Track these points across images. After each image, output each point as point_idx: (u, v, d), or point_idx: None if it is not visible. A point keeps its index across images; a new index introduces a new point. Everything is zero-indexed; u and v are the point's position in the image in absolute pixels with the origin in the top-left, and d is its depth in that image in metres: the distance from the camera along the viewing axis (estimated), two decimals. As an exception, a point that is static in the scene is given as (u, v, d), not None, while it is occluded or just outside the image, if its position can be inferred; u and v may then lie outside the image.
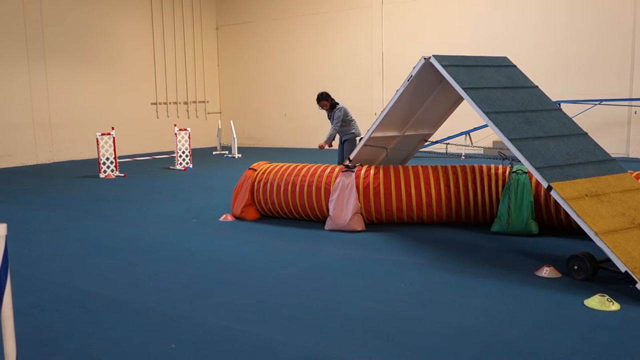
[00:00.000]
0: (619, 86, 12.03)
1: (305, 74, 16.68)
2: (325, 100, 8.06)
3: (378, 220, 6.32)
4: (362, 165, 6.44)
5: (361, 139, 6.89)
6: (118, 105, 15.83)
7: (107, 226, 6.76)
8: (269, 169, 6.81)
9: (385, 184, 6.17)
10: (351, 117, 8.07)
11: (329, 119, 8.15)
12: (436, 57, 5.52)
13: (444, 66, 5.45)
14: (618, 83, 12.05)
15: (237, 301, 4.14)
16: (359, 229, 6.13)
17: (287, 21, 16.94)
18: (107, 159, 11.37)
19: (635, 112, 11.95)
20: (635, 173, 5.45)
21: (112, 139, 11.36)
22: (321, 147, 7.97)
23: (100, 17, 15.42)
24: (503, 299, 4.08)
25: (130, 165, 12.92)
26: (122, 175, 11.26)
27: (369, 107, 15.34)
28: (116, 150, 11.55)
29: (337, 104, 8.04)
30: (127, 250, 5.67)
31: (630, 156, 12.03)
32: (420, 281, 4.53)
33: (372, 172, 6.24)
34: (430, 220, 6.28)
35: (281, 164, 6.87)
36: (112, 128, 11.82)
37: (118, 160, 11.82)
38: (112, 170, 11.29)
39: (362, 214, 6.21)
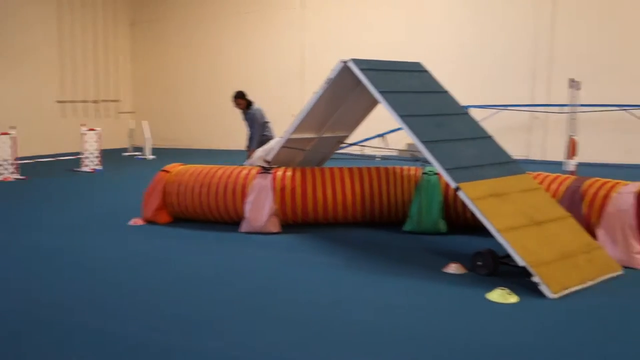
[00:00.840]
0: (521, 93, 12.81)
1: (225, 74, 16.48)
2: (241, 99, 8.03)
3: (294, 222, 6.39)
4: (279, 167, 6.50)
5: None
6: (19, 103, 14.86)
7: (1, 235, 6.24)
8: (183, 170, 6.70)
9: (302, 186, 6.25)
10: (267, 119, 8.09)
11: (245, 120, 8.13)
12: (354, 61, 5.67)
13: (361, 70, 5.60)
14: (520, 90, 12.82)
15: (141, 306, 4.03)
16: (275, 231, 6.16)
17: (207, 19, 16.69)
18: (6, 160, 10.64)
19: (536, 117, 12.76)
20: (534, 174, 5.83)
21: (12, 139, 10.67)
22: (250, 155, 7.77)
23: None
24: (412, 295, 4.27)
25: (33, 168, 12.15)
26: (23, 178, 10.61)
27: (286, 108, 15.41)
28: (17, 151, 10.86)
29: (252, 103, 8.02)
30: (25, 259, 5.27)
31: (531, 158, 12.83)
32: (332, 281, 4.64)
33: (289, 173, 6.31)
34: (345, 220, 6.42)
35: (196, 166, 6.78)
36: (12, 127, 11.06)
37: (19, 162, 11.10)
38: (12, 173, 10.62)
39: (278, 216, 6.25)
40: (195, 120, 17.25)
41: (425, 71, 6.28)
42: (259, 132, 7.91)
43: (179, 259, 5.25)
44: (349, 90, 6.38)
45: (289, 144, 6.64)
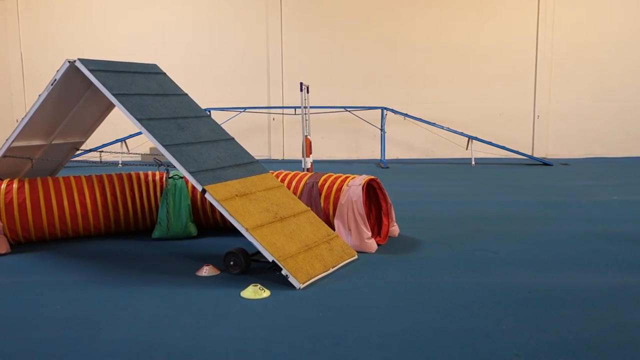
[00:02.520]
0: (259, 96, 13.42)
1: None
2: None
3: (27, 240, 5.68)
4: (2, 179, 5.70)
5: None
6: None
7: None
8: None
9: (33, 198, 5.59)
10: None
11: None
12: (82, 60, 5.23)
13: (91, 71, 5.20)
14: (259, 93, 13.43)
15: None
16: (3, 252, 5.39)
17: None
18: None
19: (274, 119, 13.48)
20: (275, 172, 6.13)
21: None
22: None
23: None
24: (167, 304, 4.12)
25: None
26: None
27: (9, 113, 13.66)
28: None
29: None
30: None
31: (272, 158, 13.53)
32: (79, 300, 4.24)
33: (15, 185, 5.57)
34: (87, 233, 5.93)
35: None
36: None
37: None
38: None
39: (5, 235, 5.49)
40: None
41: (163, 73, 6.13)
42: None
43: None
44: (79, 93, 5.88)
45: (12, 153, 5.87)
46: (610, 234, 6.02)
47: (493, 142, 12.37)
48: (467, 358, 3.26)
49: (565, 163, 12.28)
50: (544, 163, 12.12)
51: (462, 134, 12.31)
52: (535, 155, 12.96)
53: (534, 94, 13.27)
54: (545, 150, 13.27)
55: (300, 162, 9.34)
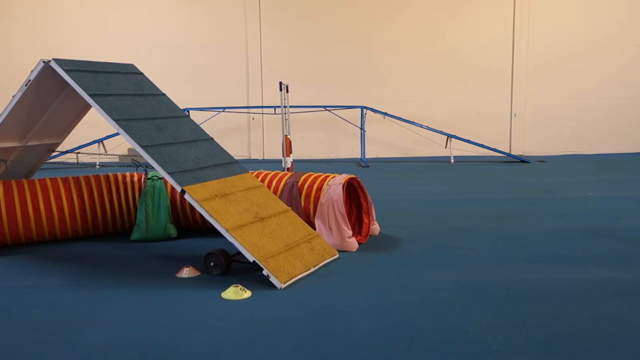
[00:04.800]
0: (239, 95, 13.36)
1: None
2: None
3: (2, 244, 5.58)
4: (-25, 183, 5.60)
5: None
6: None
7: None
8: None
9: (8, 202, 5.49)
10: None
11: None
12: (57, 60, 5.16)
13: (66, 71, 5.13)
14: (238, 93, 13.37)
15: None
16: (-22, 256, 5.30)
17: None
18: None
19: (253, 119, 13.45)
20: (255, 172, 6.11)
21: None
22: None
23: None
24: (146, 306, 4.09)
25: None
26: None
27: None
28: None
29: None
30: None
31: (252, 158, 13.48)
32: (57, 304, 4.17)
33: (-11, 189, 5.47)
34: (65, 236, 5.85)
35: None
36: None
37: None
38: None
39: (-20, 239, 5.39)
40: None
41: (140, 73, 6.07)
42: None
43: None
44: (55, 93, 5.80)
45: (-13, 156, 5.76)
46: (587, 230, 6.11)
47: (471, 140, 12.47)
48: (447, 355, 3.28)
49: (542, 160, 12.44)
50: (521, 160, 12.26)
51: (441, 132, 12.40)
52: (513, 152, 13.10)
53: (510, 93, 13.41)
54: (522, 147, 13.42)
55: (280, 161, 9.32)
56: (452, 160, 12.17)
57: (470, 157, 12.47)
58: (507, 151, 13.04)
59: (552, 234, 5.96)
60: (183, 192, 4.71)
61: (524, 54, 13.25)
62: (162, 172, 4.83)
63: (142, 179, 5.98)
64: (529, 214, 7.03)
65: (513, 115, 13.43)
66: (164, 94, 5.99)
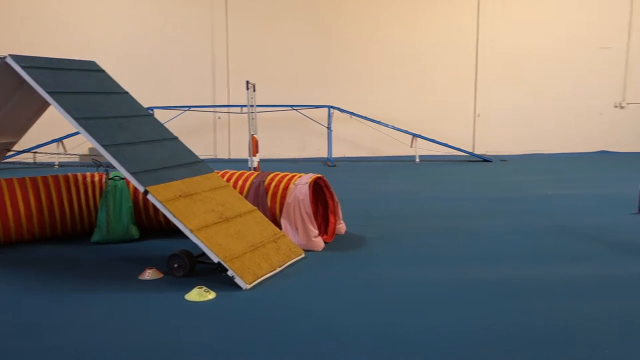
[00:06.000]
0: (204, 94, 13.20)
1: None
2: None
3: (-45, 246, 5.38)
4: None
5: None
6: None
7: None
8: None
9: (-39, 203, 5.29)
10: None
11: None
12: (13, 57, 4.99)
13: (23, 67, 4.96)
14: (203, 91, 13.21)
15: None
16: None
17: None
18: None
19: (219, 118, 13.31)
20: (221, 172, 6.03)
21: None
22: None
23: None
24: (108, 310, 3.99)
25: None
26: None
27: None
28: None
29: None
30: None
31: (218, 157, 13.34)
32: (15, 308, 4.04)
33: (-59, 190, 5.26)
34: (21, 238, 5.65)
35: None
36: None
37: None
38: None
39: None
40: None
41: (102, 71, 5.92)
42: None
43: None
44: (11, 91, 5.61)
45: (-61, 155, 5.54)
46: (549, 227, 6.22)
47: (436, 139, 12.60)
48: (412, 351, 3.29)
49: (504, 159, 12.65)
50: (485, 159, 12.44)
51: (406, 132, 12.48)
52: (476, 152, 13.28)
53: (474, 94, 13.60)
54: (485, 147, 13.61)
55: (246, 161, 9.24)
56: (418, 160, 12.27)
57: (435, 156, 12.59)
58: (471, 150, 13.22)
59: (516, 232, 6.05)
60: (146, 192, 4.61)
61: (488, 56, 13.45)
62: (124, 172, 4.72)
63: (103, 179, 5.84)
64: (493, 212, 7.12)
65: (477, 115, 13.62)
66: (127, 92, 5.86)
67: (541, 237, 5.86)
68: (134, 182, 4.67)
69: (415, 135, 12.41)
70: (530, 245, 5.58)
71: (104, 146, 4.77)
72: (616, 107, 13.82)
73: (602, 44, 13.58)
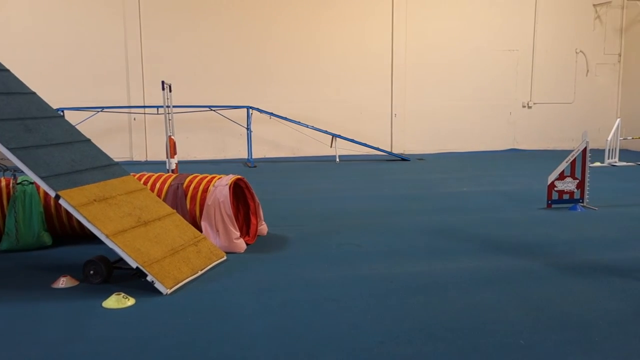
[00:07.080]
0: (119, 94, 12.76)
1: None
2: None
3: None
4: None
5: None
6: None
7: None
8: None
9: None
10: None
11: None
12: None
13: None
14: (117, 92, 12.77)
15: None
16: None
17: None
18: None
19: (134, 119, 12.92)
20: (137, 175, 5.87)
21: None
22: None
23: None
24: (20, 320, 3.79)
25: None
26: None
27: None
28: None
29: None
30: None
31: (134, 159, 12.95)
32: None
33: None
34: None
35: None
36: None
37: None
38: None
39: None
40: None
41: (6, 70, 5.61)
42: None
43: None
44: None
45: None
46: (462, 223, 6.51)
47: (355, 139, 12.84)
48: (335, 350, 3.35)
49: (421, 158, 13.10)
50: (402, 158, 12.83)
51: (326, 132, 12.65)
52: (394, 151, 13.66)
53: (391, 94, 13.98)
54: (402, 146, 14.03)
55: (164, 163, 9.04)
56: (338, 160, 12.46)
57: (354, 155, 12.83)
58: (389, 150, 13.58)
59: (431, 228, 6.29)
60: (57, 197, 4.42)
61: (402, 58, 13.87)
62: (33, 177, 4.50)
63: (11, 184, 5.54)
64: (410, 209, 7.36)
65: (394, 115, 14.01)
66: (34, 93, 5.58)
67: (455, 231, 6.12)
68: (44, 186, 4.46)
69: (334, 135, 12.59)
70: (444, 240, 5.81)
71: (11, 149, 4.53)
72: (524, 107, 14.66)
73: (509, 47, 14.36)
